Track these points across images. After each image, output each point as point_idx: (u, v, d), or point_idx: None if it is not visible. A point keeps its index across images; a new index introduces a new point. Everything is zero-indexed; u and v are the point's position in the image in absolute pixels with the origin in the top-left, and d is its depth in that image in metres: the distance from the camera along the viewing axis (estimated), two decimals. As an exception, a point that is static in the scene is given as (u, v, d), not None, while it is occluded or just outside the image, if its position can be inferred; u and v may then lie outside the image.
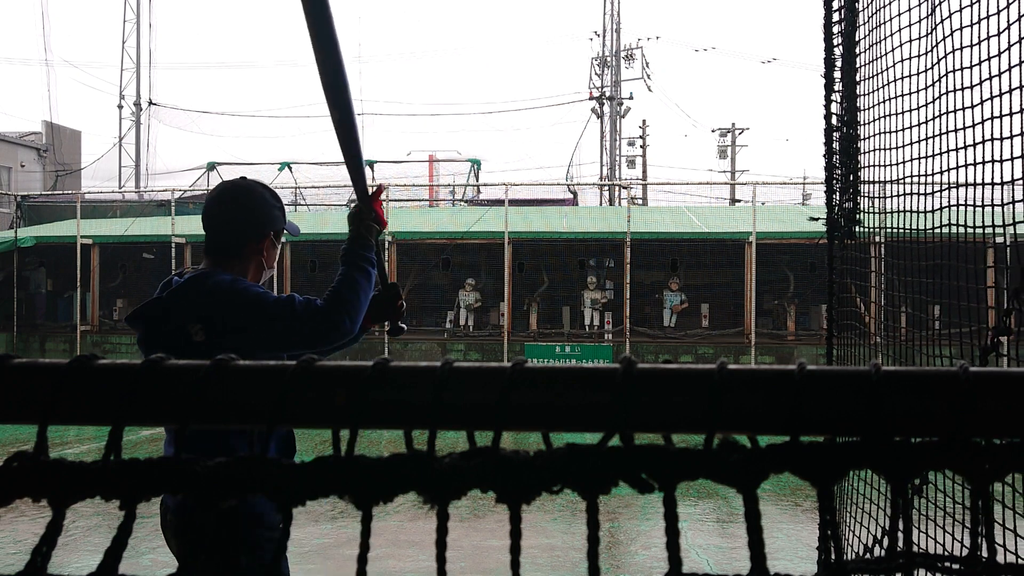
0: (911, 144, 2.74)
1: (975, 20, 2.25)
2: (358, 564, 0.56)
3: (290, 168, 23.96)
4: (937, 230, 2.64)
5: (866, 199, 3.36)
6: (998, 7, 2.14)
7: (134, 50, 32.62)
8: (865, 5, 3.23)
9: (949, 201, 2.50)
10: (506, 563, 0.56)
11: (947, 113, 2.44)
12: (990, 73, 2.20)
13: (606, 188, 26.24)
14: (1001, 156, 2.17)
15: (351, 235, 2.45)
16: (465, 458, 0.54)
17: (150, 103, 32.53)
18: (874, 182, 3.22)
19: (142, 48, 32.69)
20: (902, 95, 2.82)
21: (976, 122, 2.27)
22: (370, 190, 2.53)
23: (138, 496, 0.55)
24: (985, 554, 0.53)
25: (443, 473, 0.53)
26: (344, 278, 2.33)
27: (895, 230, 2.94)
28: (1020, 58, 2.03)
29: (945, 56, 2.43)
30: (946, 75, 2.43)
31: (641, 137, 33.61)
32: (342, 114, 2.38)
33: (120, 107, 32.57)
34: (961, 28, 2.33)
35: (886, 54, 2.96)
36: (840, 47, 3.42)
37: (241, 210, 2.41)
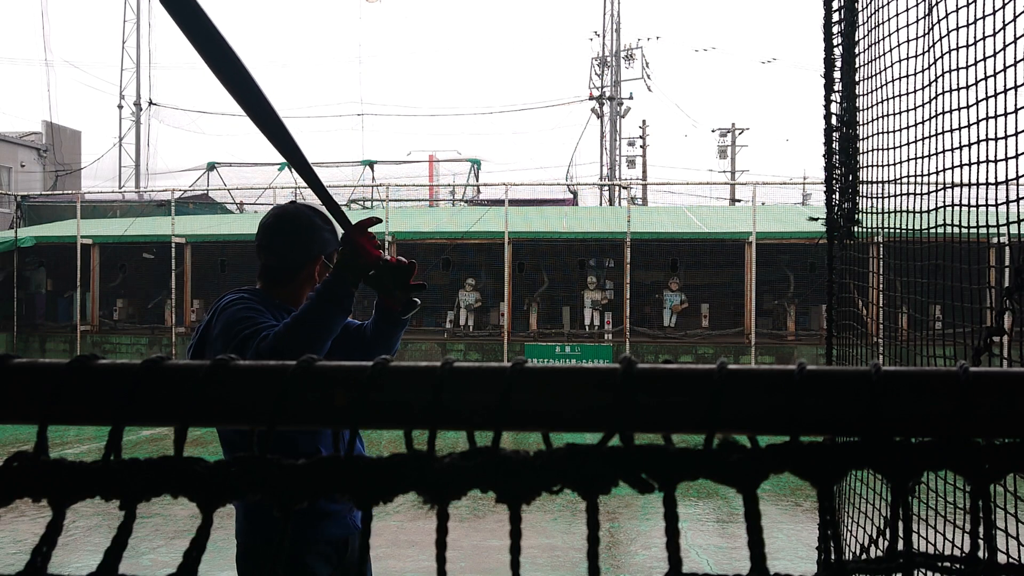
0: (910, 144, 2.74)
1: (971, 20, 2.25)
2: (358, 564, 0.56)
3: (290, 168, 23.93)
4: (936, 230, 2.64)
5: (866, 199, 3.36)
6: (994, 7, 2.15)
7: (134, 50, 32.65)
8: (864, 5, 3.23)
9: (948, 201, 2.50)
10: (506, 563, 0.56)
11: (945, 113, 2.44)
12: (986, 73, 2.20)
13: (606, 188, 26.24)
14: (996, 156, 2.17)
15: (331, 272, 2.29)
16: (465, 458, 0.54)
17: (150, 103, 32.55)
18: (874, 182, 3.22)
19: (142, 48, 32.74)
20: (901, 95, 2.82)
21: (974, 121, 2.28)
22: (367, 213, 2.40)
23: (138, 496, 0.55)
24: (984, 554, 0.53)
25: (443, 473, 0.53)
26: (302, 310, 2.17)
27: (895, 230, 2.94)
28: (1016, 57, 2.03)
29: (943, 56, 2.43)
30: (944, 75, 2.44)
31: (641, 137, 33.62)
32: (292, 155, 2.20)
33: (120, 107, 32.60)
34: (958, 28, 2.34)
35: (885, 54, 2.96)
36: (840, 47, 3.42)
37: (290, 238, 2.38)
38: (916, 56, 2.70)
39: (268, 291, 2.39)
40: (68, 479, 0.55)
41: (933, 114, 2.54)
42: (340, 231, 2.40)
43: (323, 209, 2.45)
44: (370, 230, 2.31)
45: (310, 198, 23.52)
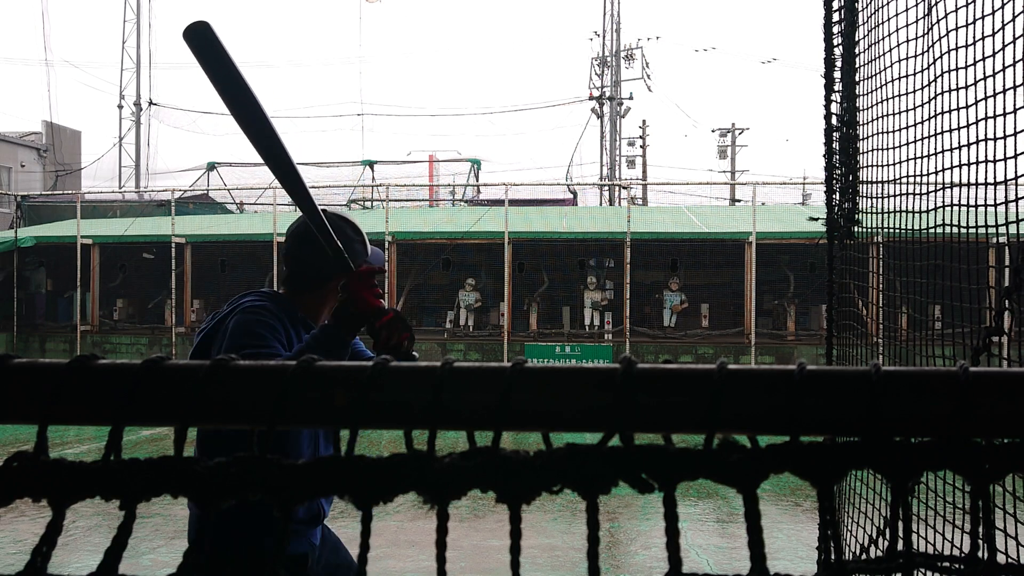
0: (910, 144, 2.74)
1: (971, 20, 2.25)
2: (358, 564, 0.56)
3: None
4: (936, 230, 2.64)
5: (866, 199, 3.36)
6: (993, 7, 2.15)
7: (134, 50, 32.65)
8: (864, 5, 3.23)
9: (947, 201, 2.50)
10: (506, 563, 0.56)
11: (945, 113, 2.44)
12: (985, 73, 2.20)
13: (606, 188, 26.24)
14: (996, 156, 2.17)
15: (329, 319, 2.20)
16: (465, 458, 0.54)
17: (150, 103, 32.56)
18: (874, 182, 3.22)
19: (142, 48, 32.74)
20: (901, 95, 2.82)
21: (973, 121, 2.27)
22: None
23: (138, 496, 0.55)
24: (984, 554, 0.53)
25: (443, 473, 0.53)
26: (296, 354, 2.08)
27: (895, 230, 2.94)
28: (1015, 57, 2.03)
29: (942, 56, 2.43)
30: (943, 75, 2.44)
31: (641, 137, 33.61)
32: (302, 200, 2.17)
33: (120, 107, 32.60)
34: (957, 28, 2.34)
35: (885, 54, 2.96)
36: (840, 47, 3.42)
37: (318, 247, 2.27)
38: (916, 56, 2.70)
39: (292, 299, 2.32)
40: (68, 479, 0.55)
41: (933, 114, 2.54)
42: (368, 246, 2.35)
43: (351, 218, 2.40)
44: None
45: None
